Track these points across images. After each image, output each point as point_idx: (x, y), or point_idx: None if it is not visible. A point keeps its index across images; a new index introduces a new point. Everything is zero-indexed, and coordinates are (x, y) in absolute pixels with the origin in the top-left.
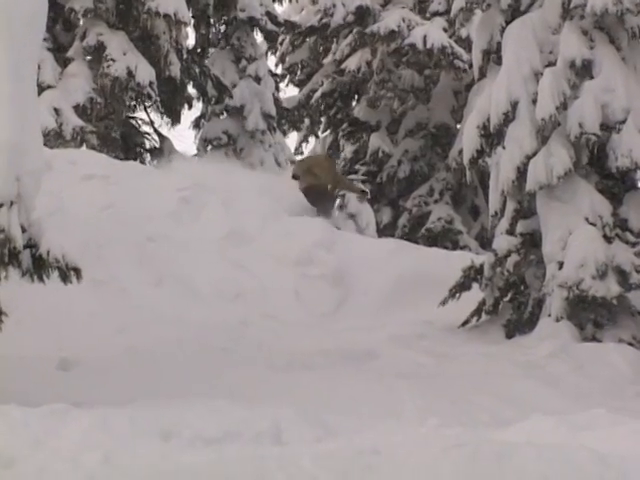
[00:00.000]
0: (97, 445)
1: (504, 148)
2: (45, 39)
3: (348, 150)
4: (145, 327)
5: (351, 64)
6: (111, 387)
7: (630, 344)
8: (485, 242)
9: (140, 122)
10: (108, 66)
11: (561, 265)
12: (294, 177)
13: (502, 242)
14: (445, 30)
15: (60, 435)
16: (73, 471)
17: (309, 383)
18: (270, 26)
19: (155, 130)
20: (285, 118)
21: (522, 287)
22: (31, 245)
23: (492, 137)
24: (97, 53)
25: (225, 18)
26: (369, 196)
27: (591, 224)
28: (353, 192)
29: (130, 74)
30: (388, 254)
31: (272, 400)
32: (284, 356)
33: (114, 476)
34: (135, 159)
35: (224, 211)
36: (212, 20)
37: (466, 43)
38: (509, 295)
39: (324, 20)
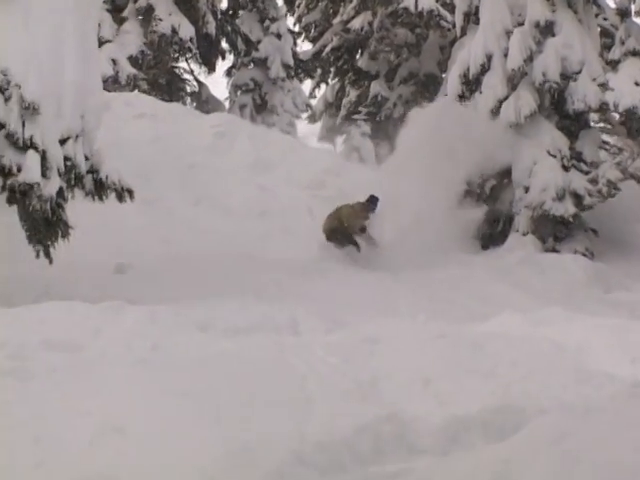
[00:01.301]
0: (147, 335)
1: (481, 93)
2: (104, 2)
3: (353, 95)
4: (186, 238)
5: (356, 24)
6: (158, 287)
7: (584, 255)
8: None
9: (182, 71)
10: (156, 25)
11: (527, 189)
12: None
13: None
14: None
15: (116, 326)
16: (127, 355)
17: (322, 286)
18: None
19: (194, 77)
20: (301, 68)
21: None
22: (93, 171)
23: (471, 84)
24: (147, 14)
25: None
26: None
27: (552, 156)
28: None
29: (174, 31)
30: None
31: (291, 299)
32: (301, 263)
33: (160, 360)
34: (178, 101)
35: (252, 143)
36: None
37: (450, 7)
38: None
39: None
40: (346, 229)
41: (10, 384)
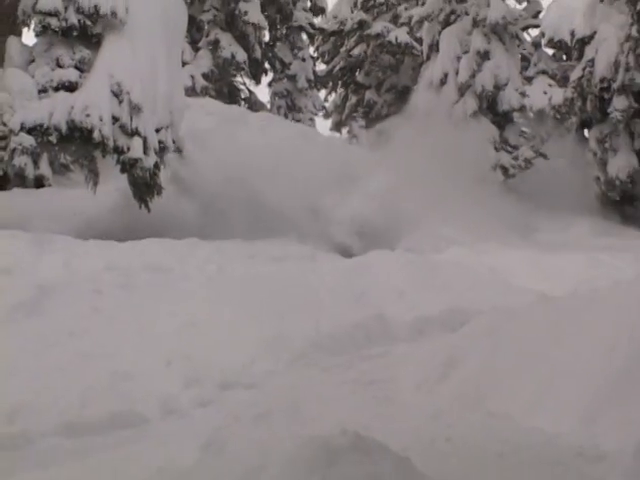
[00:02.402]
0: (214, 261)
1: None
2: (186, 36)
3: (353, 100)
4: (238, 194)
5: (355, 51)
6: (221, 230)
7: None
8: None
9: (238, 83)
10: (221, 52)
11: None
12: None
13: None
14: (408, 33)
15: (194, 256)
16: (200, 275)
17: None
18: (311, 30)
19: (247, 88)
20: (318, 81)
21: None
22: (178, 150)
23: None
24: (215, 45)
25: (286, 25)
26: None
27: (488, 141)
28: None
29: (233, 57)
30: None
31: (312, 241)
32: None
33: (223, 278)
34: (235, 104)
35: (284, 128)
36: (279, 26)
37: (419, 40)
38: None
39: (340, 27)
40: None
41: (121, 294)
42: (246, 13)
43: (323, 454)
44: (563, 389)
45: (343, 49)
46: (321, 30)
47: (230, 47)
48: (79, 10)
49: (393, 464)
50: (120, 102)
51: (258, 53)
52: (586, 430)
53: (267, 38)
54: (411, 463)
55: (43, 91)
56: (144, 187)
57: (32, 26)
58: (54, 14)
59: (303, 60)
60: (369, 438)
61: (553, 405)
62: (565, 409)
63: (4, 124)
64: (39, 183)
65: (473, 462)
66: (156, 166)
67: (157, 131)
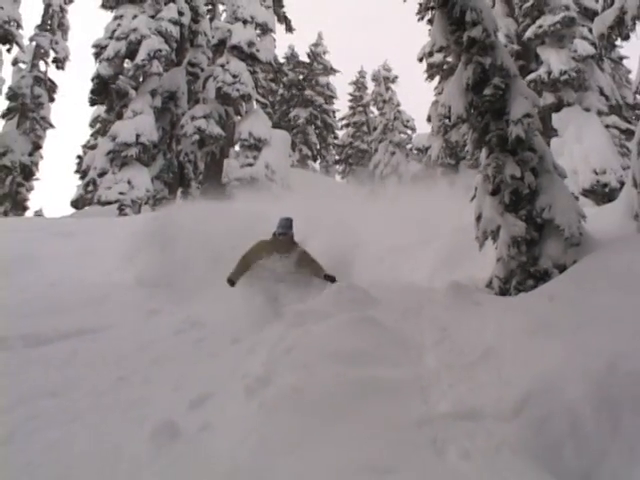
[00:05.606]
0: None
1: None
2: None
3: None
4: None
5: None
6: None
7: None
8: None
9: (310, 163)
10: (303, 152)
11: None
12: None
13: None
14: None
15: None
16: None
17: None
18: (334, 145)
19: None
20: (339, 162)
21: None
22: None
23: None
24: (300, 150)
25: (324, 142)
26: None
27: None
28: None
29: (307, 155)
30: None
31: None
32: None
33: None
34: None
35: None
36: (323, 143)
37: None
38: None
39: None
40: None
41: None
42: (311, 139)
43: (342, 287)
44: (420, 265)
45: (343, 152)
46: (338, 145)
47: (306, 150)
48: (253, 138)
49: (363, 292)
50: (267, 170)
51: (316, 152)
52: (430, 280)
53: (318, 147)
54: (369, 292)
55: (241, 167)
56: None
57: (237, 145)
58: (243, 140)
59: (331, 155)
60: (354, 283)
61: (419, 272)
62: (418, 272)
63: (227, 177)
64: None
65: (391, 292)
66: None
67: None
